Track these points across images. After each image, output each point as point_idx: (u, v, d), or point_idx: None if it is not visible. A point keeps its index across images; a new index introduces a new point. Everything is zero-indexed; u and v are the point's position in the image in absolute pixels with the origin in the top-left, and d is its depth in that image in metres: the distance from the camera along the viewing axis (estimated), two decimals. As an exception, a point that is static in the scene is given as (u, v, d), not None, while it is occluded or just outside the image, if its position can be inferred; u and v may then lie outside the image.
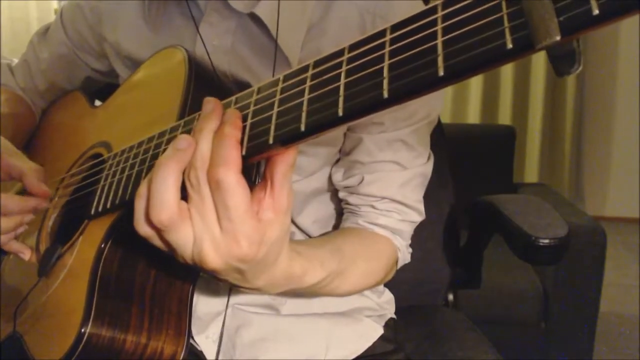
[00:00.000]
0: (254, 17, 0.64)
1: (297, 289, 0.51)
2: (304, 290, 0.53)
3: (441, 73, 0.28)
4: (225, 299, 0.67)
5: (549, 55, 0.27)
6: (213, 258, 0.40)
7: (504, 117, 3.10)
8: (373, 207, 0.68)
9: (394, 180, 0.68)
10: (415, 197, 0.71)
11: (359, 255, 0.63)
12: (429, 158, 0.72)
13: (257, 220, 0.40)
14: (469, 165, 1.92)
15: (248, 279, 0.44)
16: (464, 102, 3.13)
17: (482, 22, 0.27)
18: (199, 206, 0.40)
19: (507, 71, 3.07)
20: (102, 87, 0.90)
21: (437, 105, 0.71)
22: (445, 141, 1.03)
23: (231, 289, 0.61)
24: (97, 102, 0.80)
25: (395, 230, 0.69)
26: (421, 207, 0.71)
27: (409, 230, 0.71)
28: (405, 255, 0.72)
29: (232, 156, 0.38)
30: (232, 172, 0.38)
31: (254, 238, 0.40)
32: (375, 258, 0.66)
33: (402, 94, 0.30)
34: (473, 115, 3.11)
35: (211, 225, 0.40)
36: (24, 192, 0.76)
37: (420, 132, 0.69)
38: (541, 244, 0.81)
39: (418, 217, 0.71)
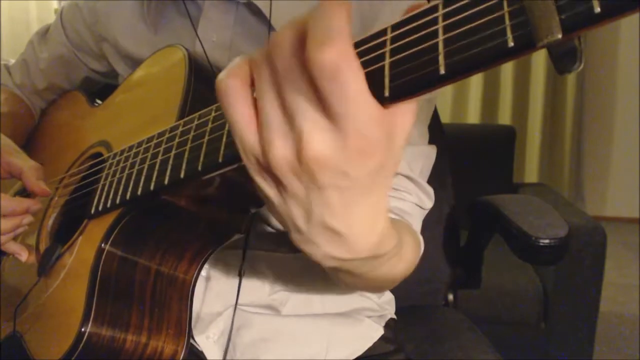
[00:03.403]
0: (252, 8, 0.64)
1: (374, 256, 0.40)
2: (372, 263, 0.43)
3: (442, 71, 0.28)
4: (225, 299, 0.68)
5: (550, 53, 0.27)
6: (323, 147, 0.30)
7: (504, 117, 3.10)
8: None
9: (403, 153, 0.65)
10: (424, 177, 0.69)
11: (404, 233, 0.57)
12: (429, 143, 0.70)
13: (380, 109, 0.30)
14: (469, 165, 1.92)
15: (351, 196, 0.33)
16: (464, 102, 3.13)
17: (483, 20, 0.27)
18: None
19: (507, 71, 3.07)
20: (102, 87, 0.90)
21: None
22: (445, 141, 1.03)
23: (239, 289, 0.60)
24: (98, 102, 0.80)
25: (410, 215, 0.65)
26: (431, 191, 0.69)
27: (420, 216, 0.68)
28: (422, 249, 0.66)
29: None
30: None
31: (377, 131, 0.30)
32: (413, 241, 0.61)
33: (404, 93, 0.30)
34: (473, 115, 3.11)
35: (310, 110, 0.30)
36: (22, 192, 0.76)
37: (420, 109, 0.67)
38: (541, 244, 0.81)
39: (429, 203, 0.68)
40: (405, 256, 0.53)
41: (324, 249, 0.37)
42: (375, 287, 0.61)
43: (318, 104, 0.30)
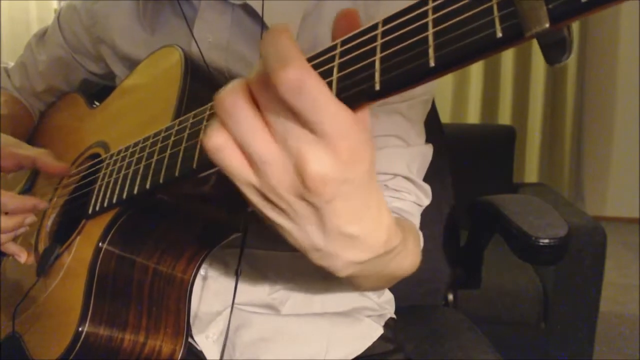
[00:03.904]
0: (248, 9, 0.65)
1: (387, 251, 0.41)
2: (382, 259, 0.43)
3: (432, 64, 0.29)
4: (224, 299, 0.67)
5: (540, 43, 0.27)
6: (321, 164, 0.32)
7: (504, 117, 3.10)
8: (386, 186, 0.66)
9: (401, 155, 0.67)
10: (421, 175, 0.69)
11: (406, 229, 0.59)
12: (426, 142, 0.71)
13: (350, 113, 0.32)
14: (469, 165, 1.92)
15: (358, 199, 0.35)
16: (464, 102, 3.13)
17: (472, 12, 0.27)
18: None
19: (507, 71, 3.07)
20: (101, 89, 0.90)
21: (432, 83, 0.70)
22: (445, 141, 1.03)
23: (236, 287, 0.60)
24: (97, 104, 0.80)
25: (409, 214, 0.67)
26: (428, 188, 0.70)
27: (418, 214, 0.69)
28: (421, 242, 0.67)
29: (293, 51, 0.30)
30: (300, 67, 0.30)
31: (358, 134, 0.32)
32: (415, 237, 0.62)
33: (395, 86, 0.30)
34: (473, 115, 3.11)
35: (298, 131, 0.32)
36: (25, 192, 0.76)
37: (417, 109, 0.68)
38: (541, 244, 0.81)
39: (426, 200, 0.70)
40: (411, 251, 0.55)
41: (343, 258, 0.38)
42: (384, 284, 0.61)
43: (299, 125, 0.31)
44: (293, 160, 0.32)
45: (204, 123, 0.44)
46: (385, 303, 0.79)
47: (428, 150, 0.71)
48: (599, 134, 3.30)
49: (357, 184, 0.34)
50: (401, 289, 0.81)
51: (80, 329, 0.52)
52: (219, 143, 0.34)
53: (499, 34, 0.26)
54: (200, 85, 0.57)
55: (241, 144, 0.33)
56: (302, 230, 0.36)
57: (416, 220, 0.68)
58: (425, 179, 0.71)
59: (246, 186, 0.35)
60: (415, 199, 0.68)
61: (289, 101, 0.30)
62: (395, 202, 0.66)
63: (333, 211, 0.34)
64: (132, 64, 0.74)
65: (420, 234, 0.67)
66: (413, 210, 0.68)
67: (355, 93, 0.32)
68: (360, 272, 0.42)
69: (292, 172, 0.33)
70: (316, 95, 0.30)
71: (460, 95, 3.13)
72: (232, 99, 0.33)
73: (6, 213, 0.65)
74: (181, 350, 0.58)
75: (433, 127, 0.74)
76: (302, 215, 0.35)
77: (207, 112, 0.44)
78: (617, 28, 3.18)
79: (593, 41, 3.16)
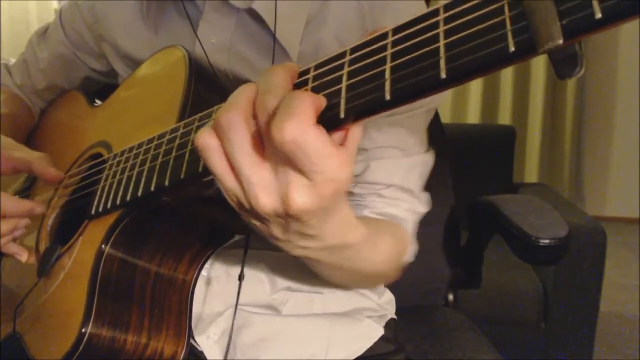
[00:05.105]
0: (253, 13, 0.65)
1: (343, 245, 0.47)
2: (343, 253, 0.49)
3: (443, 76, 0.28)
4: (226, 299, 0.68)
5: (551, 58, 0.27)
6: (304, 200, 0.35)
7: (504, 117, 3.10)
8: (380, 195, 0.67)
9: (398, 166, 0.67)
10: (420, 185, 0.70)
11: (382, 229, 0.62)
12: (428, 150, 0.71)
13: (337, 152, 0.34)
14: (469, 165, 1.92)
15: (327, 218, 0.40)
16: (464, 102, 3.13)
17: (484, 25, 0.27)
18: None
19: (507, 71, 3.07)
20: (102, 87, 0.90)
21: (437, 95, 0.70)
22: (445, 141, 1.03)
23: (239, 291, 0.61)
24: (98, 102, 0.80)
25: (402, 220, 0.68)
26: (426, 197, 0.71)
27: (413, 220, 0.69)
28: (411, 250, 0.70)
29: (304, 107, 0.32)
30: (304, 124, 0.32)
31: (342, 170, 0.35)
32: (394, 239, 0.64)
33: (405, 96, 0.30)
34: (473, 115, 3.11)
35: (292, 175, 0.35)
36: (22, 192, 0.76)
37: (418, 119, 0.68)
38: (541, 244, 0.81)
39: (422, 208, 0.70)
40: (383, 251, 0.58)
41: (295, 244, 0.43)
42: (360, 280, 0.63)
43: (291, 167, 0.34)
44: (280, 190, 0.35)
45: None
46: (386, 304, 0.79)
47: (429, 158, 0.71)
48: (599, 134, 3.30)
49: (329, 207, 0.38)
50: (401, 289, 0.81)
51: (83, 330, 0.52)
52: (207, 143, 0.36)
53: (512, 48, 0.26)
54: (204, 86, 0.57)
55: (231, 160, 0.36)
56: (268, 229, 0.41)
57: (409, 226, 0.69)
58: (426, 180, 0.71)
59: (227, 190, 0.38)
60: (410, 206, 0.68)
61: (285, 153, 0.32)
62: (388, 208, 0.67)
63: (300, 223, 0.38)
64: (134, 62, 0.74)
65: (411, 238, 0.68)
66: (407, 216, 0.68)
67: (364, 102, 0.32)
68: (314, 255, 0.46)
69: (276, 195, 0.35)
70: (312, 151, 0.32)
71: (460, 95, 3.13)
72: (228, 118, 0.35)
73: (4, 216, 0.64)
74: (183, 351, 0.58)
75: (433, 128, 0.74)
76: (271, 222, 0.39)
77: (213, 116, 0.44)
78: (617, 29, 3.17)
79: (593, 42, 3.16)
